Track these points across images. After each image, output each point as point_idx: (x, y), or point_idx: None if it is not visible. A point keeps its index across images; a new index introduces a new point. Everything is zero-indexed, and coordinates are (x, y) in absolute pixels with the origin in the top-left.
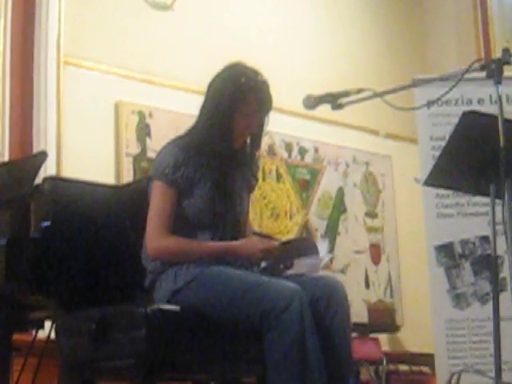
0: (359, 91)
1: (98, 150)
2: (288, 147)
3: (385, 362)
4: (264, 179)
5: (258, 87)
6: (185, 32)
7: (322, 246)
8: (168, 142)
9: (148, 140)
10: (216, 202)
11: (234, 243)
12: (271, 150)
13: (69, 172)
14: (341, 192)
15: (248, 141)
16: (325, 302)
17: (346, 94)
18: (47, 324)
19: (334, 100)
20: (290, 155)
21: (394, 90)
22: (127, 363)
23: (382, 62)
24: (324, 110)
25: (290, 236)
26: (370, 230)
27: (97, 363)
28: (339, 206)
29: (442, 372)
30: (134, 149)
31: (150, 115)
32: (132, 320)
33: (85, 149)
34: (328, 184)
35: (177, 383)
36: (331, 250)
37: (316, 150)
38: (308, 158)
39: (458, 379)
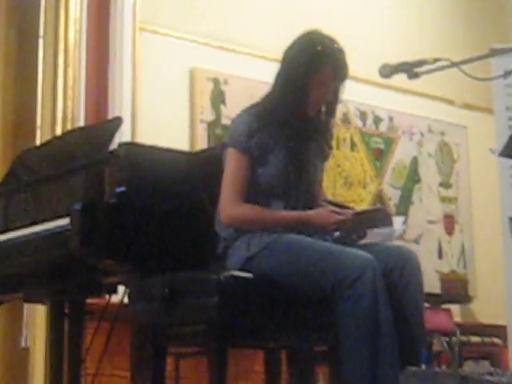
0: (436, 60)
1: (173, 116)
2: (363, 116)
3: (458, 333)
4: (338, 147)
5: (334, 55)
6: None
7: (398, 219)
8: (242, 109)
9: (223, 107)
10: (290, 171)
11: (308, 213)
12: (346, 118)
13: (143, 138)
14: (415, 161)
15: (323, 109)
16: (398, 273)
17: (423, 63)
18: (120, 289)
19: (410, 69)
20: (364, 124)
21: (470, 60)
22: (199, 329)
23: (458, 31)
24: (399, 78)
25: (364, 205)
26: (444, 200)
27: (169, 328)
28: (413, 176)
29: None
30: (209, 115)
31: (225, 82)
32: (205, 286)
33: (160, 115)
34: (402, 153)
35: (248, 350)
36: (405, 222)
37: (391, 119)
38: (383, 127)
39: None
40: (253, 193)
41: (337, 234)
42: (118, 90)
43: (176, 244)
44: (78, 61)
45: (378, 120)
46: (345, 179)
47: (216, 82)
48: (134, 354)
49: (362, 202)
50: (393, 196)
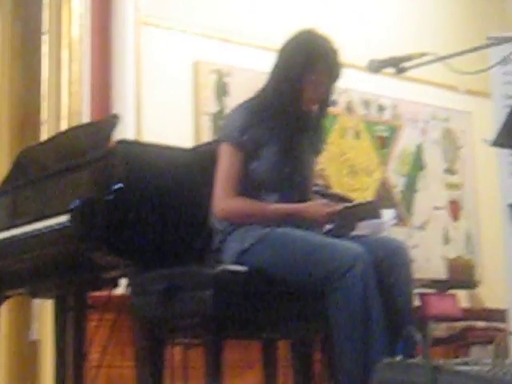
0: (422, 55)
1: (177, 109)
2: (366, 104)
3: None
4: (342, 137)
5: (328, 55)
6: None
7: (388, 212)
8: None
9: (226, 98)
10: (283, 165)
11: (299, 206)
12: (350, 107)
13: (148, 131)
14: (420, 149)
15: (316, 106)
16: (387, 264)
17: (409, 58)
18: (123, 281)
19: (398, 64)
20: (368, 112)
21: (461, 53)
22: (195, 322)
23: (459, 20)
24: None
25: (369, 193)
26: (449, 186)
27: (167, 321)
28: (418, 163)
29: None
30: (213, 107)
31: (228, 74)
32: (200, 280)
33: (164, 108)
34: (407, 141)
35: (245, 341)
36: (396, 217)
37: (395, 107)
38: (387, 115)
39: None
40: (247, 187)
41: (328, 226)
42: (122, 84)
43: (173, 239)
44: (81, 56)
45: (381, 108)
46: (350, 168)
47: (219, 73)
48: (136, 346)
49: (367, 190)
50: (398, 183)
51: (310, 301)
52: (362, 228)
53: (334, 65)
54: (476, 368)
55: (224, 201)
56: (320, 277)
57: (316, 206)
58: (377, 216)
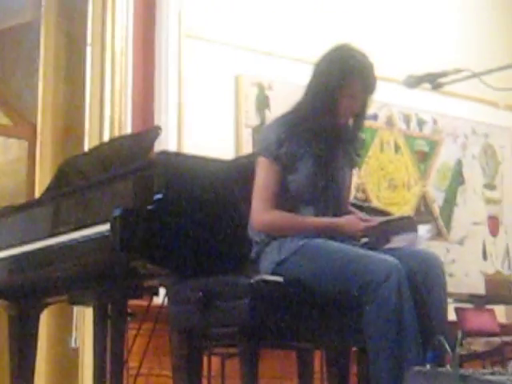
0: (458, 71)
1: (219, 121)
2: (406, 119)
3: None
4: (382, 150)
5: (363, 70)
6: (302, 5)
7: (423, 227)
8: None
9: (267, 111)
10: (318, 178)
11: (337, 220)
12: (389, 121)
13: (189, 143)
14: (459, 164)
15: (351, 120)
16: (422, 276)
17: (445, 74)
18: (162, 291)
19: (434, 79)
20: (408, 127)
21: (498, 69)
22: (232, 331)
23: (498, 36)
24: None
25: (408, 208)
26: (489, 201)
27: (204, 330)
28: (457, 178)
29: None
30: (254, 120)
31: (270, 87)
32: (237, 290)
33: (205, 120)
34: (446, 156)
35: (281, 351)
36: (431, 232)
37: (435, 122)
38: (426, 130)
39: None
40: (283, 200)
41: (364, 239)
42: (164, 96)
43: (212, 249)
44: (124, 68)
45: (421, 123)
46: (389, 182)
47: (260, 87)
48: (173, 355)
49: (406, 204)
50: (437, 198)
51: (346, 312)
52: (397, 241)
53: (368, 79)
54: (504, 378)
55: (261, 213)
56: (355, 288)
57: (353, 220)
58: (413, 230)
